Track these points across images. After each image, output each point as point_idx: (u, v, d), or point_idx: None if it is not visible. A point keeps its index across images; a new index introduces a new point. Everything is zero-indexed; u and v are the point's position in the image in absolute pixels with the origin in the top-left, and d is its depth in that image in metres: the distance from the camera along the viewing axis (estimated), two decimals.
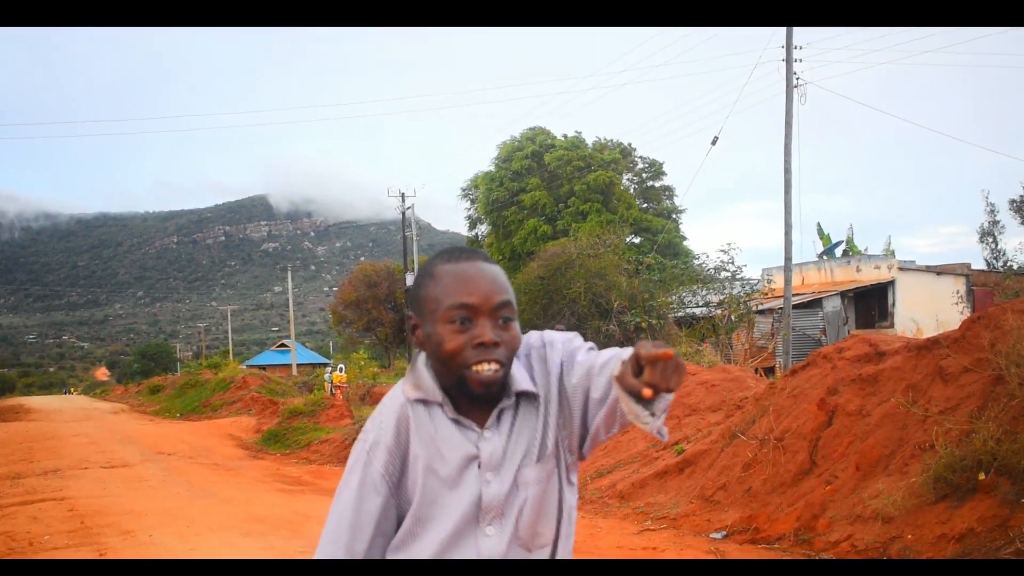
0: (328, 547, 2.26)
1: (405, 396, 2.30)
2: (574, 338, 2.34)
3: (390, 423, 2.29)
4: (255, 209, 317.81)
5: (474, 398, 2.20)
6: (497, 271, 2.26)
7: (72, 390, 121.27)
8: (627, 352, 2.00)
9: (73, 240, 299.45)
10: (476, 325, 2.16)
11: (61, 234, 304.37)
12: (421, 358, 2.34)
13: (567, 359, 2.28)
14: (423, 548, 2.22)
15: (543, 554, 2.25)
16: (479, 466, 2.21)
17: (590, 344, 2.32)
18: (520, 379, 2.23)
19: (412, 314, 2.33)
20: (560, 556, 2.28)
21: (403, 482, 2.27)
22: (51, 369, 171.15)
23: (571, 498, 2.32)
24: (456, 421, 2.24)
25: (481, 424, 2.24)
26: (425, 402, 2.27)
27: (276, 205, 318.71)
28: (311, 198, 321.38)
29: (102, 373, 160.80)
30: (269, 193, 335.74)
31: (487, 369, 2.14)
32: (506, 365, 2.18)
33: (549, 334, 2.35)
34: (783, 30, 29.26)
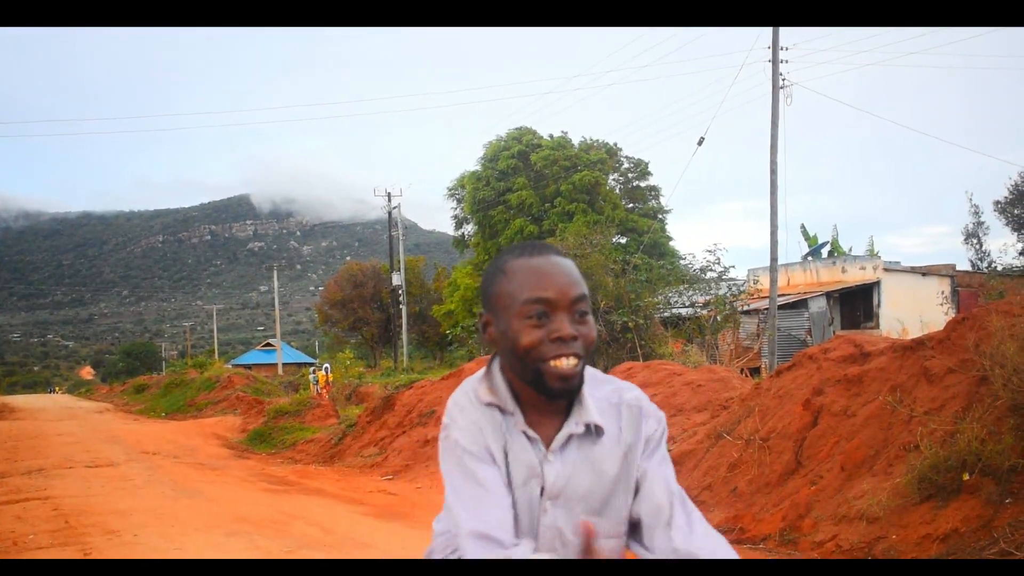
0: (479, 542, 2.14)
1: (478, 399, 2.28)
2: (663, 428, 2.31)
3: (472, 422, 2.27)
4: (241, 208, 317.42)
5: (550, 395, 2.15)
6: (570, 265, 2.21)
7: (57, 389, 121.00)
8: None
9: (58, 239, 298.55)
10: (553, 319, 2.12)
11: (45, 233, 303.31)
12: (496, 364, 2.32)
13: (651, 445, 2.27)
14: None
15: None
16: (541, 491, 2.19)
17: (664, 453, 2.29)
18: (590, 409, 2.21)
19: (483, 311, 2.29)
20: None
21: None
22: (35, 368, 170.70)
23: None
24: (526, 434, 2.21)
25: (547, 444, 2.21)
26: (499, 409, 2.25)
27: (258, 205, 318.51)
28: (292, 198, 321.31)
29: (87, 372, 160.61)
30: (251, 193, 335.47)
31: (566, 363, 2.11)
32: (584, 359, 2.15)
33: (656, 410, 2.31)
34: (769, 31, 29.34)
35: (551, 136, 52.50)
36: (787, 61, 29.34)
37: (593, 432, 2.20)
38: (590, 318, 2.17)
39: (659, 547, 2.17)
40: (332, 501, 14.26)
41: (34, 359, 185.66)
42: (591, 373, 2.29)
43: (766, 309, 30.50)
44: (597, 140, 53.07)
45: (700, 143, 31.38)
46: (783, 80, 29.12)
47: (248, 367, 71.91)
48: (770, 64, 29.15)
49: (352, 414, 23.85)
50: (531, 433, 2.20)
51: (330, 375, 34.98)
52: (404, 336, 55.13)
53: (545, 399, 2.19)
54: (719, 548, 2.15)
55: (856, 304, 40.78)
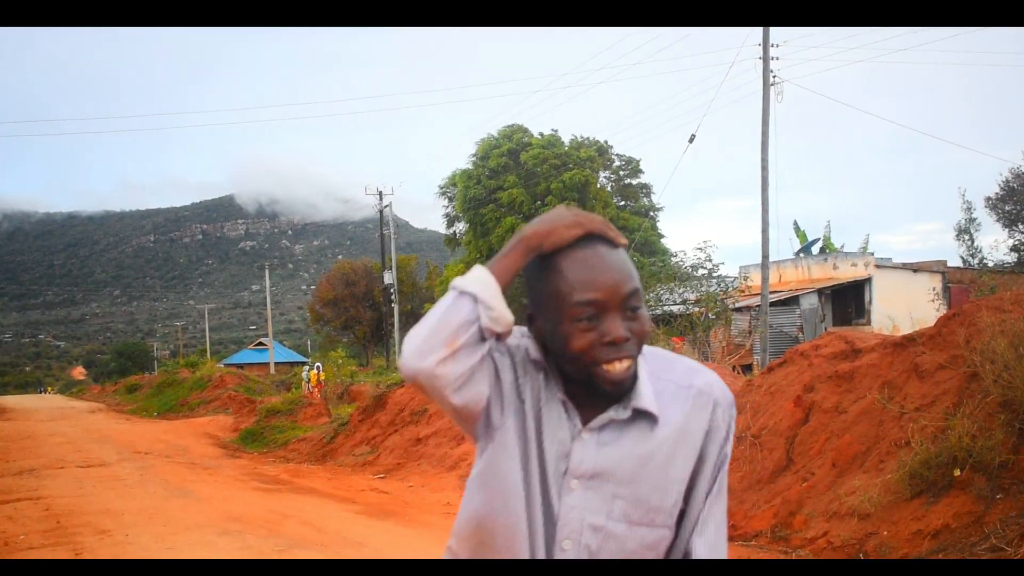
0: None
1: (528, 350, 2.13)
2: (732, 417, 2.16)
3: (514, 363, 2.11)
4: (232, 208, 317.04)
5: (602, 397, 2.03)
6: (621, 257, 2.04)
7: (48, 389, 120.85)
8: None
9: (49, 239, 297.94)
10: (604, 320, 1.98)
11: (36, 233, 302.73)
12: None
13: (717, 436, 2.12)
14: (496, 536, 2.10)
15: None
16: (565, 470, 2.06)
17: (728, 449, 2.15)
18: (643, 395, 2.06)
19: (527, 303, 2.14)
20: None
21: (502, 405, 2.09)
22: (27, 368, 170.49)
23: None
24: (564, 403, 2.07)
25: (584, 421, 2.07)
26: (541, 368, 2.11)
27: (243, 205, 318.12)
28: (277, 198, 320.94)
29: (79, 372, 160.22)
30: (236, 193, 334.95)
31: (618, 367, 1.98)
32: (636, 356, 2.02)
33: (729, 398, 2.15)
34: (760, 29, 29.36)
35: (541, 134, 52.43)
36: (778, 58, 29.37)
37: (645, 418, 2.06)
38: (642, 310, 2.03)
39: (679, 546, 2.11)
40: (324, 500, 14.27)
41: (26, 359, 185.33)
42: (661, 354, 2.17)
43: (758, 306, 30.53)
44: (588, 138, 53.03)
45: (691, 140, 31.35)
46: (774, 77, 29.13)
47: (240, 366, 71.86)
48: (761, 61, 29.17)
49: (344, 413, 23.85)
50: (569, 405, 2.07)
51: (322, 374, 34.92)
52: (396, 335, 55.03)
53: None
54: (713, 553, 2.10)
55: (848, 301, 40.83)
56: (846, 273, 40.65)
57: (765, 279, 28.77)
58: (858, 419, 9.68)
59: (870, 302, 39.98)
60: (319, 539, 10.62)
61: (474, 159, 52.53)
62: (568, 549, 2.03)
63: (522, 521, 2.06)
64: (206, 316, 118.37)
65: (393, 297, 54.75)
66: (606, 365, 1.97)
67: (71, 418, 40.17)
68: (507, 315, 1.97)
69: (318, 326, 77.70)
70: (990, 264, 38.17)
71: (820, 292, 39.57)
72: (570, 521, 2.04)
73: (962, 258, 40.89)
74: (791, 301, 38.88)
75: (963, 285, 36.22)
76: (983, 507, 7.29)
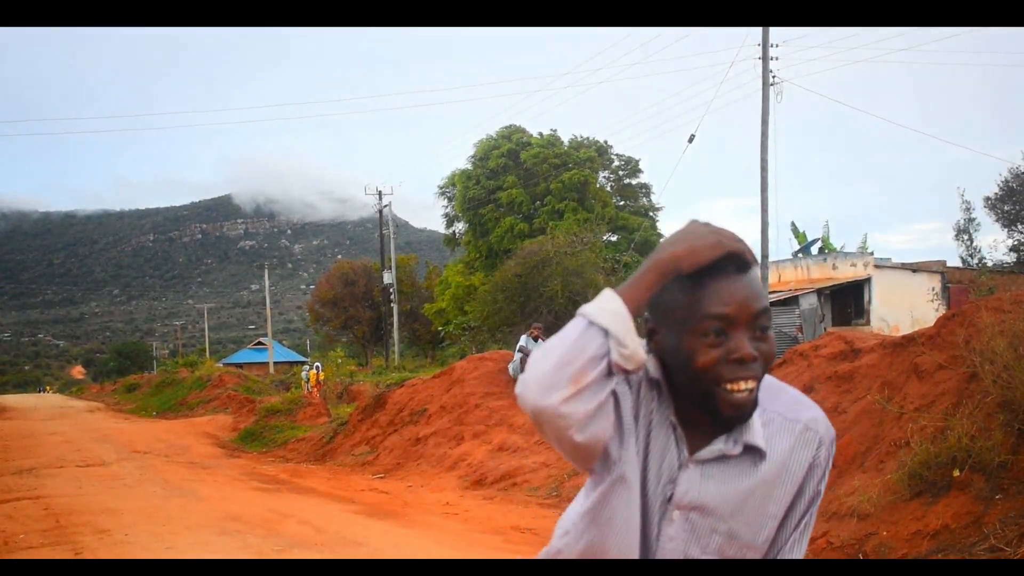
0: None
1: (648, 368, 2.03)
2: (831, 455, 2.09)
3: (639, 381, 2.02)
4: (231, 207, 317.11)
5: (721, 421, 1.95)
6: (753, 274, 1.96)
7: (47, 388, 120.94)
8: None
9: (48, 238, 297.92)
10: (732, 338, 1.90)
11: (37, 232, 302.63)
12: None
13: (816, 473, 2.06)
14: (608, 555, 2.04)
15: None
16: (669, 499, 2.00)
17: (823, 486, 2.08)
18: (755, 430, 1.99)
19: (649, 317, 2.04)
20: None
21: (623, 437, 2.00)
22: (26, 367, 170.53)
23: None
24: (674, 427, 2.01)
25: (691, 448, 2.01)
26: (659, 389, 2.03)
27: (241, 205, 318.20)
28: (275, 198, 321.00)
29: (78, 371, 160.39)
30: (233, 192, 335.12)
31: (744, 387, 1.90)
32: (760, 380, 1.93)
33: (832, 437, 2.10)
34: (760, 29, 29.36)
35: (541, 134, 52.43)
36: (777, 58, 29.38)
37: (753, 453, 1.99)
38: (771, 333, 1.97)
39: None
40: (323, 500, 14.27)
41: (25, 358, 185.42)
42: (767, 382, 2.04)
43: None
44: (587, 138, 53.03)
45: (691, 140, 31.34)
46: (773, 77, 29.13)
47: (239, 366, 71.92)
48: (760, 61, 29.17)
49: (343, 413, 23.85)
50: (680, 430, 2.00)
51: (321, 374, 34.91)
52: (396, 334, 55.09)
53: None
54: None
55: (847, 301, 40.85)
56: (845, 273, 40.67)
57: (764, 279, 28.75)
58: (858, 419, 9.68)
59: (869, 302, 40.01)
60: (318, 539, 10.61)
61: (473, 159, 52.57)
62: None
63: (635, 554, 2.02)
64: (205, 315, 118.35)
65: (392, 297, 54.74)
66: (730, 385, 1.90)
67: (70, 417, 40.18)
68: (640, 353, 1.83)
69: (317, 326, 77.75)
70: (989, 264, 38.15)
71: (819, 292, 39.59)
72: (667, 552, 2.00)
73: (961, 258, 40.88)
74: (790, 301, 38.90)
75: (962, 285, 36.19)
76: (982, 507, 7.29)
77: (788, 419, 2.03)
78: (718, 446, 1.97)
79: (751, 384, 1.90)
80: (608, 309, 1.82)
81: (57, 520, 12.29)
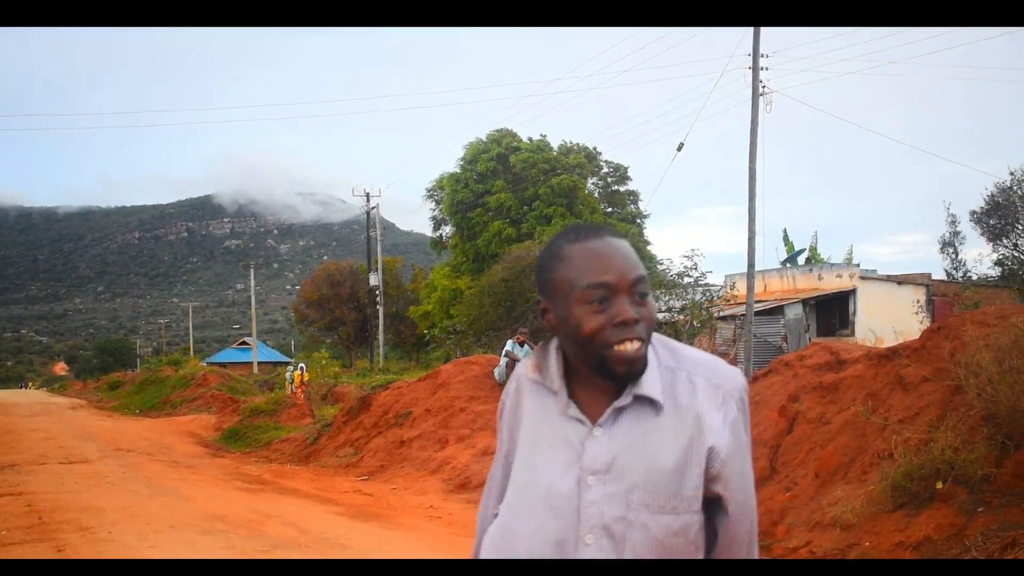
0: (482, 502, 2.47)
1: (525, 374, 2.30)
2: (742, 398, 2.22)
3: (510, 395, 2.36)
4: (216, 206, 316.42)
5: (613, 380, 2.11)
6: (627, 245, 2.15)
7: (30, 384, 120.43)
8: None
9: (33, 233, 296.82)
10: (614, 303, 2.07)
11: (22, 227, 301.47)
12: (554, 341, 2.27)
13: (727, 419, 2.17)
14: (518, 541, 2.20)
15: None
16: (581, 467, 2.13)
17: (741, 428, 2.22)
18: (645, 382, 2.13)
19: (541, 298, 2.23)
20: None
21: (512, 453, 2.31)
22: (8, 363, 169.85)
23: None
24: (566, 415, 2.18)
25: (595, 420, 2.15)
26: (541, 386, 2.24)
27: (223, 205, 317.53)
28: (256, 199, 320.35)
29: (61, 368, 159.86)
30: (216, 192, 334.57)
31: (630, 347, 2.06)
32: (646, 341, 2.11)
33: (742, 388, 2.23)
34: (750, 37, 29.43)
35: (530, 139, 52.45)
36: (767, 68, 29.43)
37: (650, 406, 2.13)
38: (650, 299, 2.14)
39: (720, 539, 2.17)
40: (307, 501, 14.26)
41: (7, 354, 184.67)
42: (671, 345, 2.25)
43: (743, 315, 30.59)
44: (576, 144, 53.06)
45: (680, 149, 31.37)
46: (763, 87, 29.19)
47: (223, 365, 71.68)
48: (750, 71, 29.25)
49: (328, 414, 23.85)
50: (575, 413, 2.16)
51: (306, 375, 34.92)
52: (381, 336, 55.05)
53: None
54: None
55: (832, 311, 40.98)
56: (831, 284, 40.81)
57: (751, 288, 28.82)
58: (842, 430, 9.72)
59: (854, 313, 40.14)
60: (302, 540, 10.61)
61: (462, 162, 52.53)
62: (591, 543, 2.09)
63: (552, 532, 2.14)
64: (190, 314, 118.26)
65: (378, 299, 54.73)
66: (618, 347, 2.06)
67: (53, 414, 40.02)
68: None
69: (302, 326, 77.68)
70: (974, 278, 38.29)
71: (804, 302, 39.71)
72: (592, 516, 2.09)
73: (946, 271, 40.97)
74: (776, 311, 39.02)
75: (947, 298, 36.33)
76: (965, 520, 7.33)
77: (691, 375, 2.17)
78: (614, 405, 2.13)
79: (636, 344, 2.07)
80: None
81: (40, 517, 12.26)
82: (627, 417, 2.13)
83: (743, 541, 2.20)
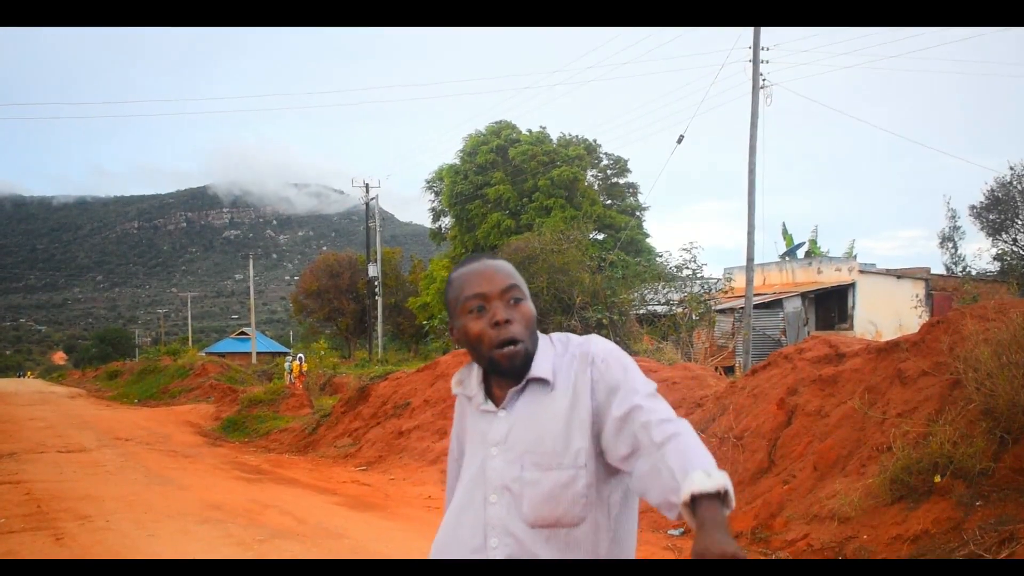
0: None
1: (452, 388, 2.74)
2: (629, 369, 2.48)
3: (457, 408, 2.79)
4: (214, 196, 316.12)
5: (504, 374, 2.52)
6: (501, 263, 2.58)
7: (28, 373, 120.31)
8: (684, 488, 2.09)
9: (32, 222, 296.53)
10: (490, 309, 2.49)
11: (20, 216, 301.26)
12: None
13: (608, 389, 2.43)
14: (450, 510, 2.63)
15: (577, 534, 2.41)
16: (485, 443, 2.55)
17: (648, 389, 2.42)
18: (537, 365, 2.51)
19: (448, 320, 2.69)
20: (604, 545, 2.45)
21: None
22: (7, 352, 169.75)
23: (615, 492, 2.50)
24: (483, 411, 2.60)
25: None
26: (464, 395, 2.70)
27: (219, 195, 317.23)
28: (251, 190, 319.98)
29: (59, 357, 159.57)
30: (212, 183, 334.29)
31: (508, 349, 2.45)
32: (524, 340, 2.49)
33: (605, 349, 2.53)
34: (751, 31, 29.42)
35: (530, 131, 52.37)
36: (767, 62, 29.44)
37: (543, 386, 2.50)
38: (525, 303, 2.53)
39: (641, 467, 2.27)
40: (305, 491, 14.27)
41: (6, 343, 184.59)
42: (564, 338, 2.62)
43: (741, 308, 30.59)
44: (576, 136, 52.99)
45: (679, 141, 31.36)
46: (763, 80, 29.20)
47: (222, 355, 71.69)
48: (751, 64, 29.24)
49: (326, 404, 23.84)
50: (486, 406, 2.58)
51: (304, 365, 34.91)
52: (380, 327, 55.06)
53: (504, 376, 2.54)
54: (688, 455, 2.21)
55: (831, 305, 40.97)
56: (830, 278, 40.78)
57: (750, 281, 28.84)
58: (840, 423, 9.72)
59: (853, 307, 40.13)
60: (300, 529, 10.62)
61: (462, 154, 52.47)
62: (495, 502, 2.47)
63: (478, 498, 2.53)
64: (189, 304, 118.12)
65: (377, 290, 54.72)
66: (498, 349, 2.46)
67: (51, 403, 40.05)
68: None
69: (301, 317, 77.65)
70: (973, 272, 38.33)
71: (804, 296, 39.70)
72: (493, 479, 2.49)
73: (945, 266, 41.07)
74: (775, 304, 38.99)
75: (946, 293, 36.34)
76: (963, 513, 7.34)
77: (571, 355, 2.54)
78: (511, 391, 2.53)
79: (516, 342, 2.47)
80: None
81: (39, 505, 12.27)
82: (524, 398, 2.52)
83: (656, 418, 2.31)
